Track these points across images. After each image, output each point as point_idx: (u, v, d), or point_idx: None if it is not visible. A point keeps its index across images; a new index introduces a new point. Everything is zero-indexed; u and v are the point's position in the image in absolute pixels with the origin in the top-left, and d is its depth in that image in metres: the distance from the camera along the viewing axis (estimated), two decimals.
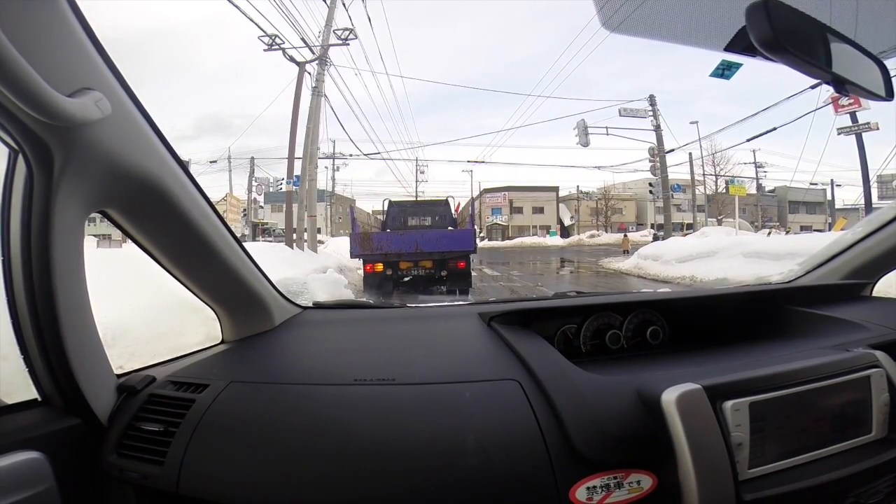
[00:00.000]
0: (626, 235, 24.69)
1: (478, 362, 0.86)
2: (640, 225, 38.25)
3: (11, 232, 0.66)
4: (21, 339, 0.71)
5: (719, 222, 24.37)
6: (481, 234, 34.98)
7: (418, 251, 7.03)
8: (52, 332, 0.68)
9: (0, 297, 0.70)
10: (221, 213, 0.89)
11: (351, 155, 24.79)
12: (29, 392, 0.74)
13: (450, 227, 8.41)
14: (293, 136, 12.59)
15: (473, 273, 8.30)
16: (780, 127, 14.23)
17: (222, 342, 1.05)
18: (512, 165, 43.92)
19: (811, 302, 1.10)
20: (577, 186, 37.66)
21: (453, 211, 9.54)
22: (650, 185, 19.58)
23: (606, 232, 32.20)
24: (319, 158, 15.45)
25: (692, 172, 23.99)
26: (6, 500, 0.60)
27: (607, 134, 18.08)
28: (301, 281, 5.39)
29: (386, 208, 9.55)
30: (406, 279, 7.30)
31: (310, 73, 12.32)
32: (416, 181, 31.62)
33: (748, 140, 16.58)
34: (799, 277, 1.33)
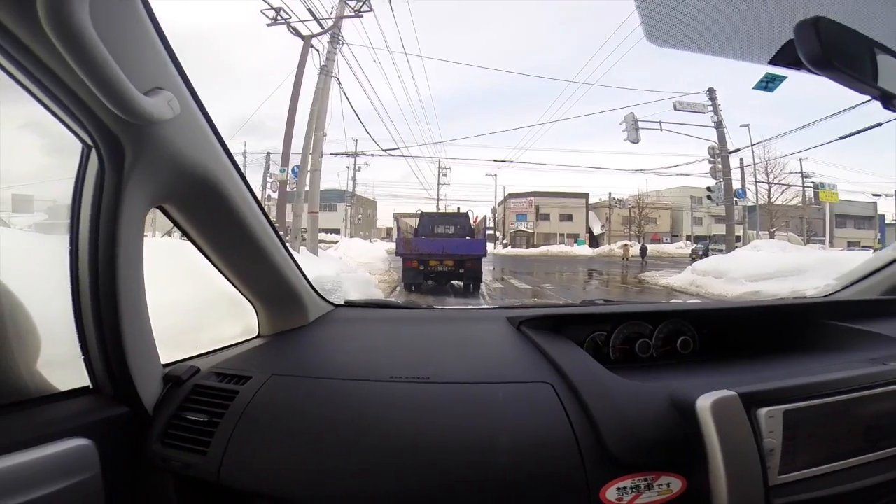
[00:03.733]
0: (626, 245, 25.22)
1: (510, 365, 0.89)
2: (675, 236, 37.20)
3: (81, 224, 0.72)
4: (81, 328, 0.76)
5: (771, 235, 22.96)
6: (504, 241, 34.82)
7: (444, 253, 9.62)
8: (111, 321, 0.73)
9: (62, 287, 0.75)
10: None
11: (372, 153, 24.89)
12: (78, 379, 0.79)
13: (467, 237, 11.19)
14: (292, 118, 10.79)
15: (499, 285, 10.71)
16: (848, 136, 13.03)
17: (259, 336, 1.12)
18: (539, 169, 43.30)
19: (848, 317, 1.09)
20: (609, 193, 36.80)
21: (472, 222, 12.22)
22: (709, 189, 17.86)
23: (639, 242, 31.54)
24: (334, 154, 14.88)
25: (743, 179, 22.31)
26: (54, 487, 0.64)
27: (661, 129, 16.14)
28: (335, 280, 6.20)
29: (419, 217, 12.42)
30: (433, 274, 9.85)
31: (318, 51, 10.78)
32: (438, 184, 31.87)
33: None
34: (836, 292, 1.32)
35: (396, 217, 12.41)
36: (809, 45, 0.49)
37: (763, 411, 0.66)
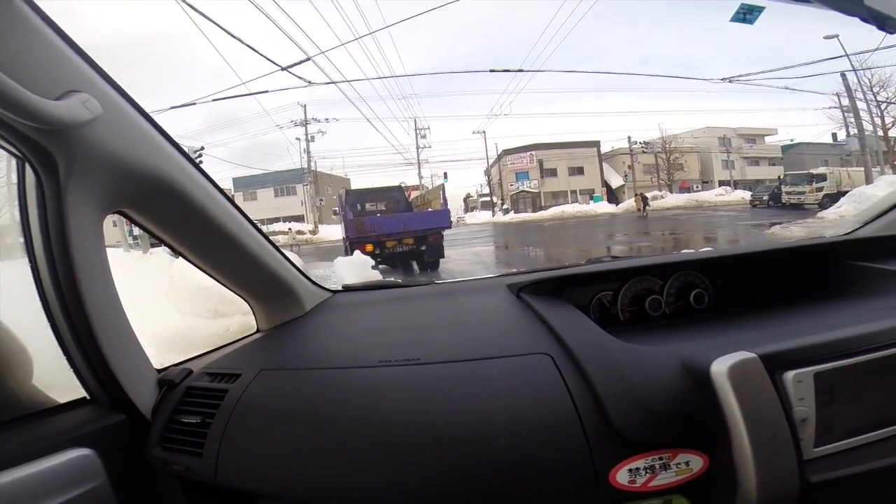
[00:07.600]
0: (637, 195, 24.77)
1: (506, 336, 0.91)
2: (705, 182, 36.22)
3: (34, 238, 0.76)
4: (61, 341, 0.82)
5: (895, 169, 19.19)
6: (505, 206, 34.28)
7: (406, 230, 9.45)
8: (86, 332, 0.79)
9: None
10: None
11: (327, 120, 23.00)
12: (78, 391, 0.87)
13: (425, 210, 10.89)
14: None
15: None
16: None
17: (257, 331, 1.18)
18: (537, 117, 41.24)
19: (875, 256, 1.08)
20: (629, 137, 35.03)
21: (407, 195, 12.32)
22: None
23: (671, 192, 31.09)
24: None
25: (852, 100, 18.36)
26: (62, 498, 0.71)
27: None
28: (326, 265, 6.31)
29: (342, 196, 11.66)
30: (390, 256, 9.57)
31: None
32: (418, 147, 30.22)
33: None
34: (857, 229, 1.31)
35: (341, 195, 11.55)
36: None
37: (790, 375, 0.64)
